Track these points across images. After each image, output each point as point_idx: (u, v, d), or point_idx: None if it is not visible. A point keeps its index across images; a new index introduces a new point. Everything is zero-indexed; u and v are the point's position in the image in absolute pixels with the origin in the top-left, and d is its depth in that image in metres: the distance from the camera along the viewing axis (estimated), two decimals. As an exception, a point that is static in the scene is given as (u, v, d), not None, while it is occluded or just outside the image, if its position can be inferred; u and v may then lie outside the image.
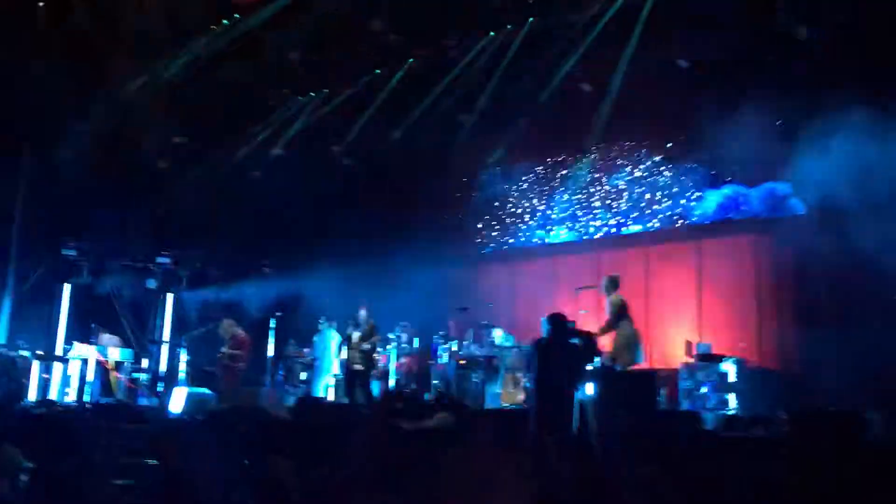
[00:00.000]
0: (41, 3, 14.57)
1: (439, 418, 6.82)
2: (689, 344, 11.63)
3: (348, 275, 16.71)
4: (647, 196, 14.75)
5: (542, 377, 8.32)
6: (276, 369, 14.14)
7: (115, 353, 13.58)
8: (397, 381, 13.58)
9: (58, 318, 14.86)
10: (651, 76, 13.57)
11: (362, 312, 12.35)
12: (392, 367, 13.53)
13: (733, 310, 12.58)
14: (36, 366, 13.71)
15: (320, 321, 14.24)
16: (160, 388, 14.19)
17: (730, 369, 10.77)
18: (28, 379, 13.62)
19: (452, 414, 6.98)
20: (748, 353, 11.63)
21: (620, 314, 10.42)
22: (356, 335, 12.32)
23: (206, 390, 12.11)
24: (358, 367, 12.10)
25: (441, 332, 13.83)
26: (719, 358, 10.91)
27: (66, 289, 15.09)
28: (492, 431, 8.65)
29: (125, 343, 14.09)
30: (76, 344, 13.53)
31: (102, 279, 15.45)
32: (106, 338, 13.89)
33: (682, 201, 14.32)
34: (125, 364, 13.63)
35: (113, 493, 6.02)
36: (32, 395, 13.29)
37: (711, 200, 13.96)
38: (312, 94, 17.22)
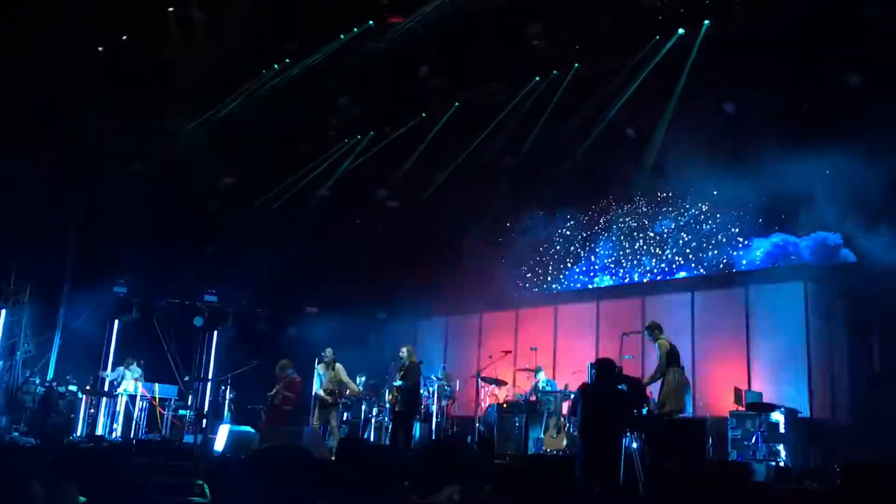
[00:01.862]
0: (100, 49, 15.14)
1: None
2: (738, 392, 11.39)
3: (392, 315, 16.86)
4: (693, 244, 14.64)
5: (588, 423, 8.19)
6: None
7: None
8: (438, 425, 13.49)
9: (107, 355, 15.10)
10: (698, 123, 13.54)
11: (404, 351, 12.33)
12: (434, 409, 13.46)
13: (783, 358, 12.31)
14: (84, 401, 13.96)
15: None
16: (204, 425, 14.27)
17: (780, 419, 10.51)
18: (76, 414, 13.87)
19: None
20: (798, 403, 11.36)
21: (669, 360, 10.26)
22: (397, 375, 12.30)
23: (249, 429, 12.15)
24: (399, 408, 12.04)
25: (482, 375, 13.74)
26: (770, 407, 10.65)
27: (115, 325, 15.35)
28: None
29: (171, 380, 14.26)
30: (124, 380, 13.73)
31: (150, 316, 15.69)
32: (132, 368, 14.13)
33: (731, 251, 14.21)
34: (170, 401, 13.76)
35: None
36: (80, 429, 13.50)
37: (759, 249, 13.81)
38: (359, 136, 17.51)
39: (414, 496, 6.14)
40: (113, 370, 14.48)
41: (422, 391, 13.18)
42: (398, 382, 11.93)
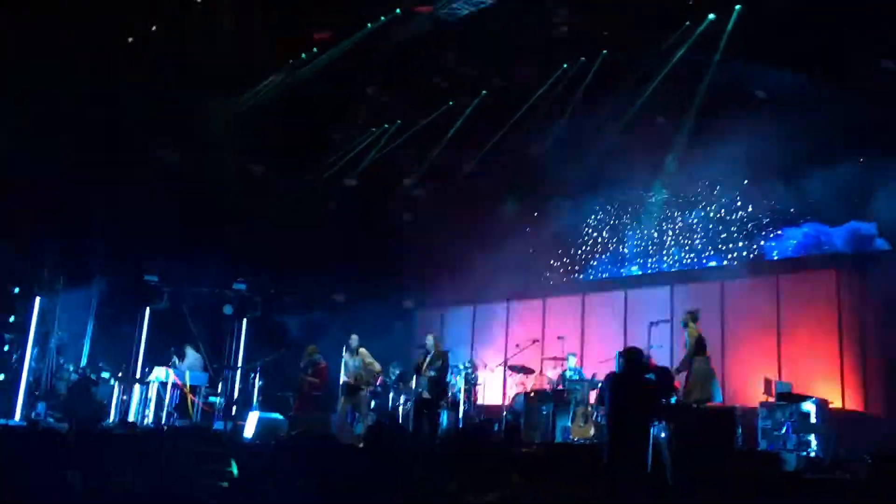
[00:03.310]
0: (129, 39, 15.27)
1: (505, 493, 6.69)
2: (768, 382, 11.28)
3: (419, 303, 16.89)
4: (724, 234, 14.49)
5: (616, 413, 8.16)
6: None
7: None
8: (466, 413, 13.51)
9: (139, 342, 15.31)
10: (728, 110, 13.36)
11: (429, 339, 12.34)
12: (461, 397, 13.47)
13: (815, 348, 12.16)
14: (116, 388, 14.16)
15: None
16: (234, 412, 14.43)
17: (811, 409, 10.40)
18: (109, 400, 14.08)
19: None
20: (829, 394, 11.23)
21: (697, 349, 10.19)
22: (425, 362, 12.31)
23: (277, 415, 12.26)
24: (425, 395, 12.06)
25: (509, 364, 13.74)
26: (800, 397, 10.53)
27: (147, 313, 15.54)
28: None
29: (202, 367, 14.40)
30: (155, 367, 13.90)
31: (181, 304, 15.87)
32: (192, 356, 14.26)
33: (762, 242, 14.04)
34: (201, 388, 13.91)
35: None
36: (112, 416, 13.71)
37: (791, 239, 13.63)
38: (386, 125, 17.52)
39: (469, 495, 6.11)
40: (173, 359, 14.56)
41: (449, 379, 13.21)
42: (431, 373, 11.90)
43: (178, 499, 6.28)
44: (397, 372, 14.47)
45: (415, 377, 12.62)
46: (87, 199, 15.05)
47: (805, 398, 10.54)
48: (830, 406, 10.77)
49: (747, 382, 12.32)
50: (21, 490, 5.07)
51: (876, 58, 11.70)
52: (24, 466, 5.68)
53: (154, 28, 15.20)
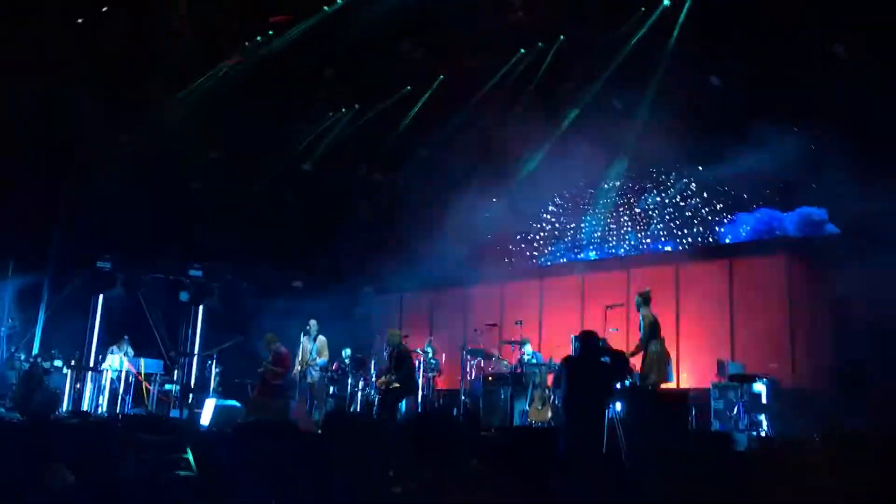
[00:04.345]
0: (79, 21, 14.92)
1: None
2: (720, 363, 11.50)
3: (378, 289, 16.84)
4: (678, 220, 14.70)
5: (573, 395, 8.25)
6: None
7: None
8: (424, 398, 13.56)
9: (92, 330, 15.06)
10: (683, 97, 13.51)
11: (393, 336, 12.16)
12: (420, 382, 13.49)
13: (765, 329, 12.42)
14: (69, 376, 13.94)
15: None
16: (190, 399, 14.30)
17: (762, 390, 10.63)
18: (62, 389, 13.85)
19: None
20: (781, 374, 11.48)
21: (652, 332, 10.33)
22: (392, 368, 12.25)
23: (235, 403, 12.17)
24: (393, 386, 11.99)
25: (469, 348, 13.80)
26: (752, 378, 10.76)
27: (100, 301, 15.28)
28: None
29: (156, 355, 14.25)
30: (109, 355, 13.71)
31: (135, 291, 15.64)
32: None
33: (716, 227, 14.27)
34: (156, 376, 13.75)
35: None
36: (65, 405, 13.49)
37: (744, 224, 13.88)
38: (343, 110, 17.40)
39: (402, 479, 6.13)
40: (107, 352, 14.40)
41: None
42: (395, 385, 11.74)
43: (132, 489, 6.22)
44: (357, 357, 14.43)
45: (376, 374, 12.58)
46: (39, 185, 14.74)
47: (756, 378, 10.77)
48: (781, 386, 11.01)
49: (701, 364, 12.55)
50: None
51: (827, 43, 11.91)
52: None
53: (105, 9, 14.88)
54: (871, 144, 11.10)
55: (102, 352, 14.32)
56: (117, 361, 13.53)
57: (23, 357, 14.58)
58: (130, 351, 14.29)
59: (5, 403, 13.52)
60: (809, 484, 6.89)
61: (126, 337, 14.55)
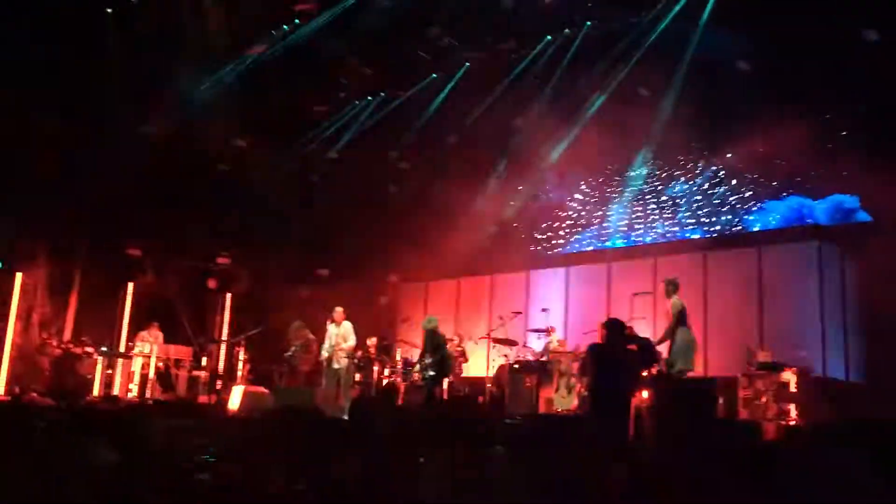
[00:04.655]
0: (108, 10, 15.06)
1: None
2: (749, 352, 11.40)
3: (403, 277, 16.87)
4: (706, 208, 14.56)
5: (599, 383, 8.23)
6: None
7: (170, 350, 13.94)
8: (451, 385, 13.59)
9: (122, 316, 15.26)
10: (712, 82, 13.36)
11: (430, 322, 12.25)
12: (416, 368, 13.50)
13: (794, 318, 12.28)
14: (100, 362, 14.14)
15: None
16: (218, 385, 14.45)
17: (791, 379, 10.52)
18: (93, 375, 14.06)
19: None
20: (810, 362, 11.36)
21: (680, 320, 10.25)
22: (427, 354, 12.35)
23: (262, 389, 12.28)
24: (431, 372, 12.10)
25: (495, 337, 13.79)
26: (780, 366, 10.65)
27: (130, 287, 15.47)
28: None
29: (185, 341, 14.41)
30: (139, 341, 13.88)
31: (164, 278, 15.81)
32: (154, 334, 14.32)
33: (744, 215, 14.12)
34: (185, 362, 13.91)
35: (175, 488, 6.16)
36: (96, 390, 13.69)
37: (774, 212, 13.73)
38: (370, 97, 17.42)
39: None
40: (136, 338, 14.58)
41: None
42: (430, 372, 11.86)
43: (162, 473, 6.30)
44: (383, 344, 14.49)
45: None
46: (69, 173, 14.91)
47: (785, 367, 10.66)
48: (810, 375, 10.90)
49: (730, 353, 12.43)
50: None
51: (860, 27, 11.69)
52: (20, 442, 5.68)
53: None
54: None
55: (132, 338, 14.51)
56: (148, 347, 13.68)
57: (55, 343, 14.80)
58: (161, 336, 14.46)
59: (38, 389, 13.75)
60: (836, 474, 6.83)
61: (156, 323, 14.74)
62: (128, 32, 14.93)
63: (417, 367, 12.14)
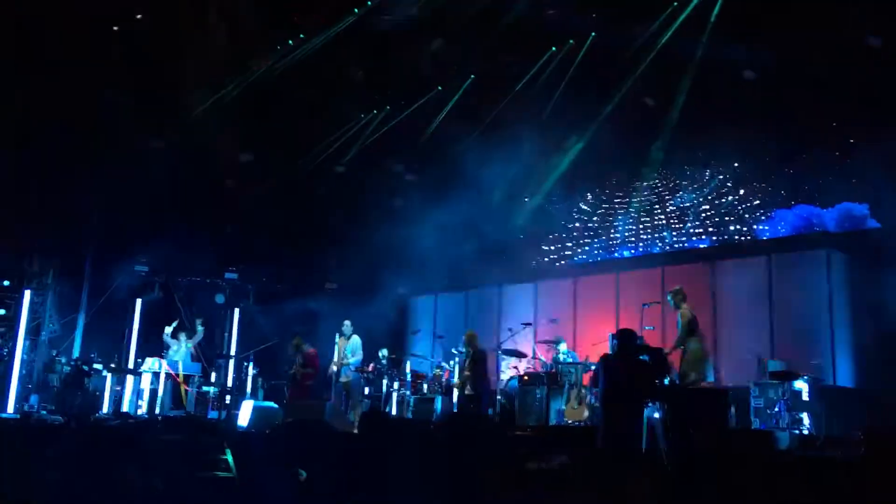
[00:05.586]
0: (115, 28, 15.14)
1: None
2: (760, 361, 11.32)
3: (413, 289, 16.85)
4: (715, 217, 14.52)
5: (610, 394, 8.17)
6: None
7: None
8: (460, 397, 13.53)
9: (130, 333, 15.26)
10: (717, 92, 13.35)
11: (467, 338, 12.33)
12: (455, 382, 13.49)
13: (806, 326, 12.20)
14: (109, 379, 14.13)
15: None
16: (228, 401, 14.42)
17: (803, 387, 10.45)
18: (102, 392, 14.05)
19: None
20: (822, 371, 11.28)
21: (690, 329, 10.20)
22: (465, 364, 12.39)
23: (272, 404, 12.25)
24: (468, 391, 12.12)
25: (504, 348, 13.75)
26: (793, 375, 10.57)
27: (138, 304, 15.48)
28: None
29: (195, 357, 14.36)
30: (148, 358, 13.85)
31: (173, 294, 15.82)
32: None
33: (753, 224, 14.08)
34: (194, 377, 13.89)
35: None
36: (106, 407, 13.68)
37: (783, 221, 13.68)
38: (375, 111, 17.45)
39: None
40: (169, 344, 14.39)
41: (444, 364, 13.29)
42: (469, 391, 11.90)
43: (173, 489, 6.29)
44: (392, 357, 14.45)
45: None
46: (76, 191, 14.95)
47: (797, 376, 10.58)
48: (823, 383, 10.82)
49: (740, 362, 12.35)
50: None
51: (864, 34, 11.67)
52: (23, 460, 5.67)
53: (139, 17, 15.08)
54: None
55: (141, 354, 14.47)
56: (156, 364, 13.62)
57: (64, 360, 14.82)
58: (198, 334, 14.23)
59: (47, 406, 13.75)
60: (852, 482, 6.76)
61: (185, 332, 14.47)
62: (133, 48, 14.99)
63: (457, 379, 12.19)
